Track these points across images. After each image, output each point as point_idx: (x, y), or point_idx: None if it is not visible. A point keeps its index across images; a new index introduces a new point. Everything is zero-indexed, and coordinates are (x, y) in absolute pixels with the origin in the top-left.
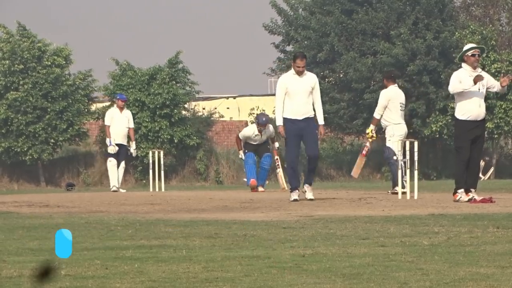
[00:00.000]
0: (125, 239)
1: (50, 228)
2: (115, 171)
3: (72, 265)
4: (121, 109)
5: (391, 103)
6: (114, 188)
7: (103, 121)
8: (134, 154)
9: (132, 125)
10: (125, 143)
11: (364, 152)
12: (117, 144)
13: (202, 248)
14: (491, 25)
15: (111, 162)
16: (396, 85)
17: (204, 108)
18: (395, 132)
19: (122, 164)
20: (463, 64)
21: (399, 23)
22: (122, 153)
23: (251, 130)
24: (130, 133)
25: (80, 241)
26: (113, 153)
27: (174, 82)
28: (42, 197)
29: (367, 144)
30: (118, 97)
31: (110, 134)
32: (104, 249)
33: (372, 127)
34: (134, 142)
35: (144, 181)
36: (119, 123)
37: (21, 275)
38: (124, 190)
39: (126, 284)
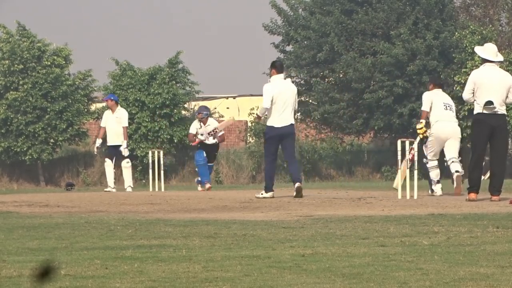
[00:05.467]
0: (125, 239)
1: (50, 228)
2: (110, 172)
3: (72, 265)
4: (112, 109)
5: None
6: (109, 189)
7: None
8: (124, 153)
9: (124, 124)
10: (120, 143)
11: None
12: (112, 146)
13: (202, 248)
14: (491, 25)
15: (106, 163)
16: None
17: None
18: None
19: (124, 163)
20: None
21: (399, 23)
22: (118, 153)
23: (196, 123)
24: (123, 132)
25: (80, 241)
26: (95, 153)
27: (174, 82)
28: (42, 197)
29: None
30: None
31: (102, 135)
32: (104, 249)
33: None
34: (125, 141)
35: (144, 181)
36: (110, 123)
37: (21, 275)
38: (130, 189)
39: (126, 284)
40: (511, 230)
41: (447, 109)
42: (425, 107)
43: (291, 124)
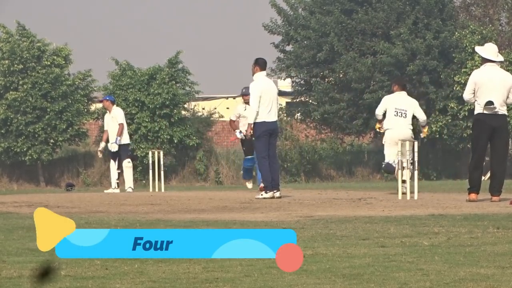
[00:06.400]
0: None
1: None
2: (112, 173)
3: (72, 266)
4: (109, 110)
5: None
6: (110, 190)
7: (103, 121)
8: (111, 149)
9: (120, 121)
10: (121, 142)
11: None
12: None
13: None
14: (490, 25)
15: (110, 164)
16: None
17: (203, 108)
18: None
19: (125, 163)
20: None
21: (399, 23)
22: (120, 153)
23: (241, 106)
24: (118, 128)
25: None
26: (100, 156)
27: (174, 82)
28: (42, 197)
29: None
30: None
31: (105, 138)
32: None
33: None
34: (117, 137)
35: (144, 181)
36: (110, 124)
37: (20, 275)
38: (131, 190)
39: (126, 285)
40: (511, 231)
41: (397, 115)
42: (377, 111)
43: (277, 121)
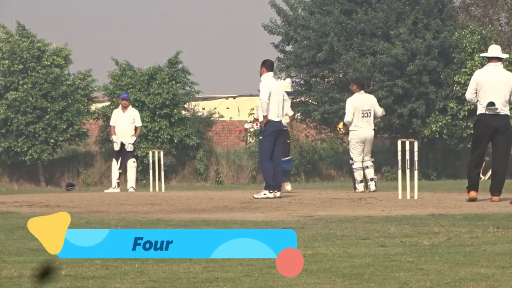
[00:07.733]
0: None
1: None
2: (114, 172)
3: (73, 265)
4: (124, 108)
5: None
6: (110, 190)
7: (103, 121)
8: (128, 148)
9: (138, 124)
10: (126, 141)
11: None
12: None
13: None
14: (490, 25)
15: (113, 163)
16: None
17: (204, 108)
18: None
19: (130, 162)
20: None
21: (398, 23)
22: (125, 153)
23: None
24: (137, 131)
25: None
26: (117, 149)
27: (174, 82)
28: (42, 197)
29: None
30: (120, 97)
31: (114, 132)
32: None
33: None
34: (134, 138)
35: (144, 181)
36: (121, 123)
37: (21, 275)
38: (133, 190)
39: (127, 285)
40: (511, 231)
41: (364, 116)
42: (348, 117)
43: (281, 120)
